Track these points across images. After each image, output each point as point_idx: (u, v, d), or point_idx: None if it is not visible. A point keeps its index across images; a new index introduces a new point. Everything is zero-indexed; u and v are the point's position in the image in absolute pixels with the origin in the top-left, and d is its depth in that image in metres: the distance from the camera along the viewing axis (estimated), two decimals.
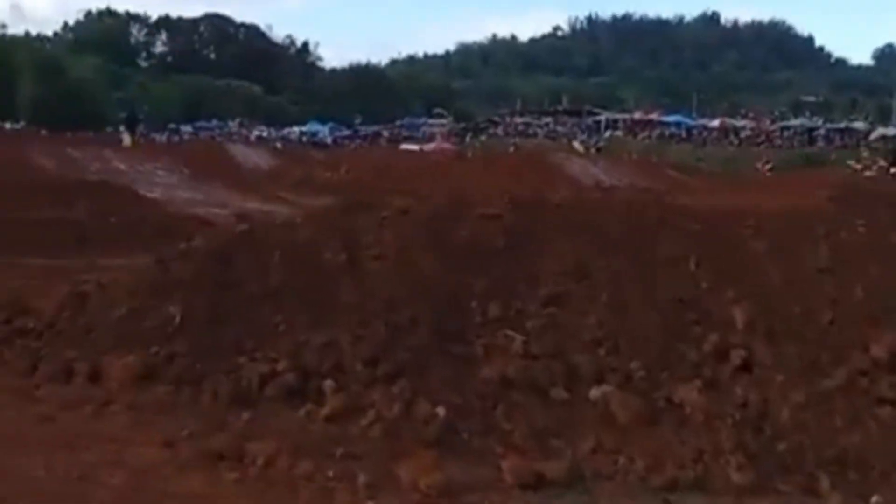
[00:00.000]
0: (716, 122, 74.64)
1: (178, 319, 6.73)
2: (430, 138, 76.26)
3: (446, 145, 68.44)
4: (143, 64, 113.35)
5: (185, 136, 74.57)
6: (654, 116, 78.54)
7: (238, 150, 48.33)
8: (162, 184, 26.67)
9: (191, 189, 25.92)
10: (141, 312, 6.86)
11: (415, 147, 65.76)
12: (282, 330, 6.82)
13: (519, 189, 24.49)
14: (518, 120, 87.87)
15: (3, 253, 12.10)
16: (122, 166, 29.39)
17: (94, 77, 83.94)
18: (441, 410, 6.02)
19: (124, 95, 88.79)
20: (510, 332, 6.78)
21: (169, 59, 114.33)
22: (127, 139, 37.99)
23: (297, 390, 6.33)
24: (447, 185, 26.63)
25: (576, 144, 47.72)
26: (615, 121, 79.92)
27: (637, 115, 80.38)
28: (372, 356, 6.48)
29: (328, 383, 6.36)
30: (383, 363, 6.42)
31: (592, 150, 44.83)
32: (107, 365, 6.44)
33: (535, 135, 79.64)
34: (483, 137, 79.27)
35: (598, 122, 79.60)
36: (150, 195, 16.12)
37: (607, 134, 73.85)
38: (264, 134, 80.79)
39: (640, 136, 73.65)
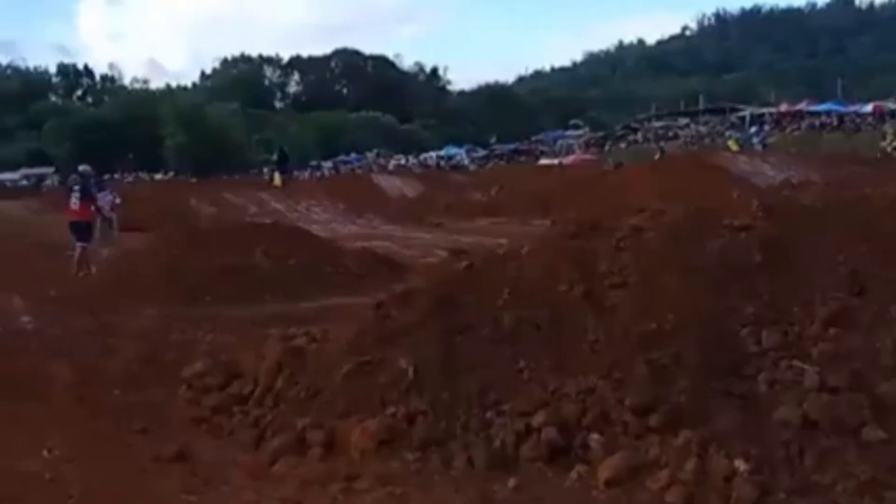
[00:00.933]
0: (869, 108, 70.54)
1: (410, 373, 5.94)
2: (568, 151, 75.16)
3: (586, 156, 67.27)
4: (279, 104, 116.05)
5: (326, 172, 75.41)
6: (802, 107, 74.98)
7: (383, 181, 48.48)
8: (320, 220, 26.64)
9: (349, 222, 25.73)
10: (369, 368, 6.11)
11: (553, 161, 64.74)
12: (526, 377, 5.94)
13: (695, 195, 23.35)
14: (656, 124, 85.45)
15: (194, 304, 11.76)
16: (279, 206, 29.63)
17: (233, 121, 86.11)
18: (741, 464, 5.02)
19: (263, 137, 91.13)
20: (797, 363, 5.70)
21: (303, 97, 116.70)
22: (278, 179, 38.40)
23: (560, 448, 5.44)
24: (619, 197, 25.63)
25: (730, 144, 45.53)
26: (760, 115, 76.63)
27: (783, 108, 76.91)
28: (640, 403, 5.52)
29: (595, 438, 5.45)
30: (656, 410, 5.45)
31: (758, 147, 42.61)
32: (343, 431, 5.70)
33: (676, 137, 77.22)
34: (623, 145, 77.35)
35: (743, 119, 76.48)
36: (320, 234, 15.66)
37: (753, 130, 70.78)
38: (402, 162, 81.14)
39: (789, 128, 70.38)
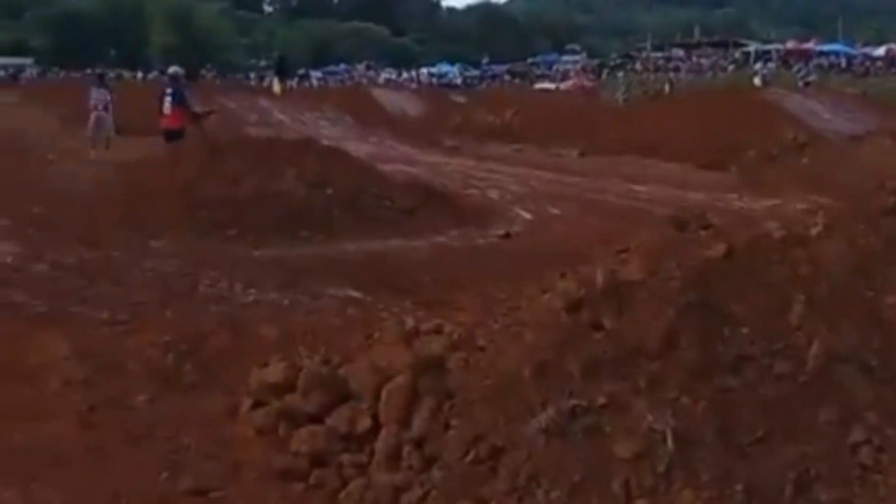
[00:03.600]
0: (881, 51, 68.17)
1: (670, 441, 3.56)
2: (564, 76, 72.89)
3: (584, 83, 65.11)
4: (269, 9, 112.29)
5: (315, 82, 72.81)
6: (810, 46, 72.54)
7: (381, 95, 45.85)
8: (331, 136, 24.28)
9: (362, 140, 23.39)
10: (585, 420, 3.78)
11: (550, 86, 62.64)
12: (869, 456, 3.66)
13: (748, 134, 21.30)
14: (657, 54, 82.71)
15: (214, 237, 9.62)
16: (282, 117, 27.19)
17: (220, 23, 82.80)
18: None
19: (251, 42, 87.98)
20: None
21: (294, 3, 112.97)
22: (277, 87, 35.77)
23: None
24: (654, 132, 23.55)
25: (756, 81, 43.12)
26: (765, 52, 74.07)
27: (790, 45, 74.40)
28: None
29: None
30: None
31: (801, 85, 40.23)
32: None
33: (678, 69, 74.68)
34: (620, 74, 74.77)
35: (748, 54, 73.89)
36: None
37: (757, 66, 68.30)
38: (392, 77, 78.72)
39: (795, 67, 68.01)
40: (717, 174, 19.07)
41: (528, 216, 12.60)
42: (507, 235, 10.82)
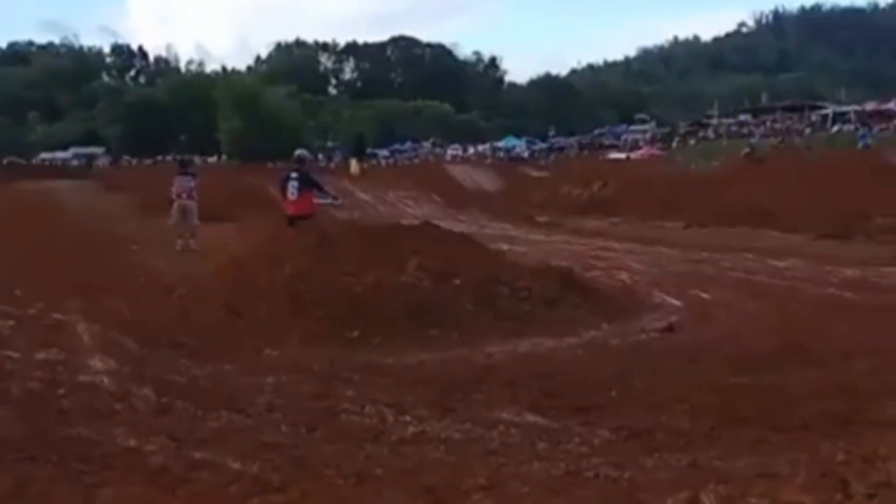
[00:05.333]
0: None
1: None
2: (634, 146, 72.01)
3: (655, 151, 64.33)
4: (333, 91, 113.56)
5: (382, 161, 72.74)
6: (891, 106, 70.31)
7: (458, 171, 45.01)
8: (419, 215, 23.12)
9: (453, 219, 22.12)
10: None
11: (621, 156, 61.91)
12: None
13: (878, 200, 19.43)
14: (727, 120, 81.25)
15: (337, 343, 8.22)
16: (364, 197, 26.20)
17: (288, 106, 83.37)
18: None
19: (317, 123, 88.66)
20: None
21: (358, 84, 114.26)
22: (355, 167, 34.99)
23: None
24: (762, 197, 21.87)
25: (860, 144, 40.96)
26: (843, 113, 72.01)
27: (870, 107, 72.25)
28: None
29: None
30: None
31: None
32: None
33: (752, 134, 73.00)
34: (692, 141, 73.43)
35: (824, 117, 71.96)
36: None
37: (835, 129, 66.30)
38: (459, 152, 78.71)
39: (876, 128, 65.78)
40: (844, 244, 17.31)
41: (676, 302, 10.98)
42: (670, 328, 9.20)
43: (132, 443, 5.20)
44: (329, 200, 14.00)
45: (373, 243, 10.07)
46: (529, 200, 31.49)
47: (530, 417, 5.85)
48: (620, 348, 8.30)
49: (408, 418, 5.82)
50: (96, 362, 7.43)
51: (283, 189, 13.42)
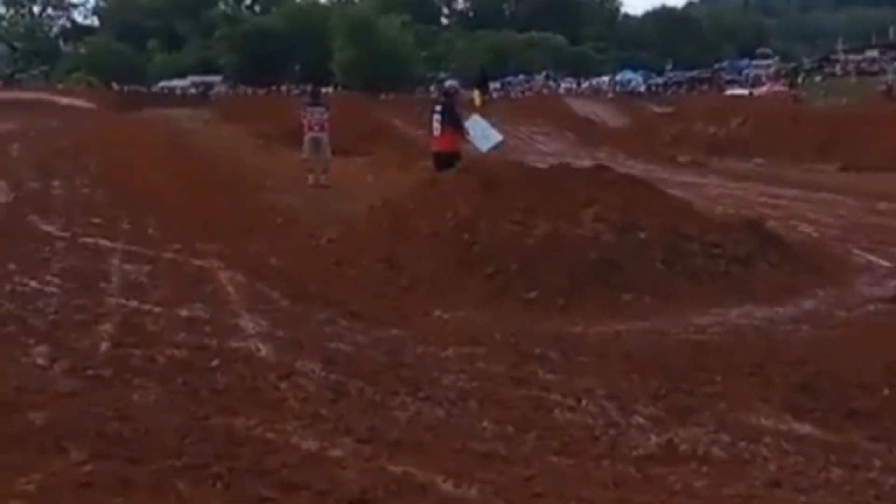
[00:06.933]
0: None
1: None
2: (756, 82, 68.41)
3: (779, 88, 60.78)
4: (445, 21, 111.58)
5: (493, 94, 70.96)
6: None
7: (579, 106, 43.14)
8: (551, 152, 21.86)
9: (591, 158, 20.58)
10: None
11: (743, 91, 58.79)
12: None
13: None
14: (855, 56, 76.39)
15: (509, 304, 7.12)
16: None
17: (402, 36, 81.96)
18: None
19: (430, 54, 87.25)
20: None
21: (470, 14, 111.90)
22: (478, 99, 33.54)
23: None
24: None
25: None
26: None
27: None
28: None
29: None
30: None
31: None
32: None
33: (883, 71, 68.51)
34: (818, 78, 69.31)
35: None
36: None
37: None
38: (573, 86, 76.47)
39: None
40: None
41: (885, 263, 9.48)
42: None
43: (312, 446, 4.16)
44: (481, 143, 12.38)
45: (540, 188, 8.81)
46: (661, 137, 29.64)
47: (796, 425, 4.61)
48: (854, 324, 6.94)
49: (640, 420, 4.65)
50: (247, 322, 6.46)
51: (429, 123, 12.22)
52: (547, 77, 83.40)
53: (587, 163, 12.28)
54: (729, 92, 61.13)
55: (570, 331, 6.56)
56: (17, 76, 71.31)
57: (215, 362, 5.47)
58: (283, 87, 67.58)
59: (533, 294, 7.44)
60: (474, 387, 5.18)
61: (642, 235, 8.34)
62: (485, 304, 7.26)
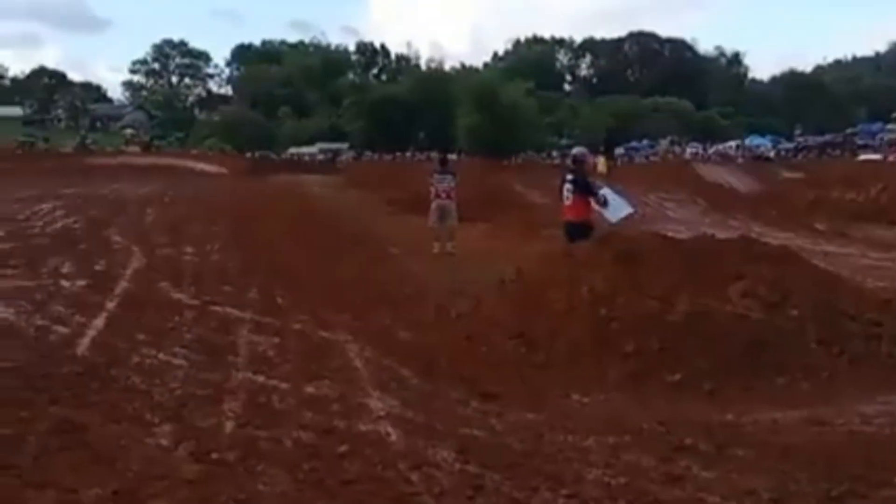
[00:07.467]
0: None
1: None
2: (890, 146, 65.91)
3: None
4: (568, 87, 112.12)
5: (618, 160, 70.38)
6: None
7: (707, 171, 42.18)
8: (681, 219, 21.21)
9: (723, 226, 19.88)
10: None
11: (877, 157, 56.71)
12: None
13: None
14: None
15: (649, 390, 6.63)
16: None
17: (525, 102, 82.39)
18: None
19: (553, 119, 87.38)
20: None
21: (594, 80, 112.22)
22: (603, 165, 33.28)
23: None
24: None
25: None
26: None
27: None
28: None
29: None
30: None
31: None
32: None
33: None
34: None
35: None
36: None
37: None
38: (698, 151, 75.35)
39: None
40: None
41: None
42: None
43: None
44: (611, 214, 11.84)
45: (682, 261, 8.34)
46: (796, 204, 28.53)
47: None
48: None
49: None
50: (376, 402, 6.17)
51: (560, 192, 11.84)
52: (672, 142, 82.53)
53: (721, 232, 11.71)
54: (862, 157, 59.32)
55: (721, 419, 6.04)
56: (156, 143, 74.70)
57: (343, 448, 5.17)
58: (408, 153, 68.67)
59: (677, 377, 6.95)
60: (622, 483, 4.74)
61: (795, 313, 7.75)
62: (625, 386, 6.80)
